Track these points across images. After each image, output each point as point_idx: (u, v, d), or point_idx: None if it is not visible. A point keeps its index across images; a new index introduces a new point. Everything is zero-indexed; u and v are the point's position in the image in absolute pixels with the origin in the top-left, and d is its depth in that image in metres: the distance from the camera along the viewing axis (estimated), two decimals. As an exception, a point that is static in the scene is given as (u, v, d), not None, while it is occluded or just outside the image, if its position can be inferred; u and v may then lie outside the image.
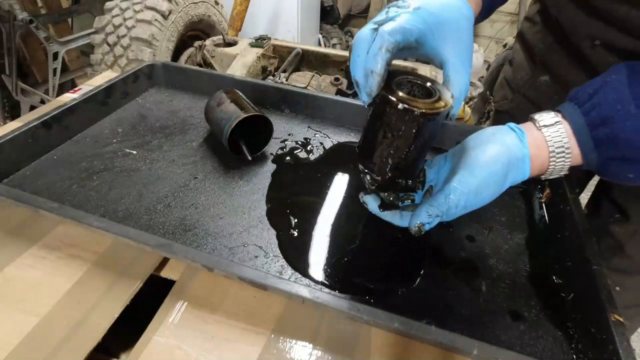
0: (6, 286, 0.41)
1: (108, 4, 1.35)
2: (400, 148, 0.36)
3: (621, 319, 0.35)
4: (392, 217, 0.42)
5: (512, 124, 0.39)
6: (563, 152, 0.36)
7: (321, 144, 0.63)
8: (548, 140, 0.37)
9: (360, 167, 0.41)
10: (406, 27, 0.33)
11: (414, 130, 0.34)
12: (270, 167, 0.58)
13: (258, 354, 0.37)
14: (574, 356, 0.37)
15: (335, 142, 0.64)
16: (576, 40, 0.52)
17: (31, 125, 0.55)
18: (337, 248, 0.46)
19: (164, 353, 0.37)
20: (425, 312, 0.40)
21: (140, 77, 0.73)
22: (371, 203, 0.43)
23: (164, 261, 0.45)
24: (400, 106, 0.32)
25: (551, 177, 0.39)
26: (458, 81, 0.35)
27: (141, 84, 0.73)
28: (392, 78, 0.35)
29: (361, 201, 0.44)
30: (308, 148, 0.62)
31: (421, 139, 0.35)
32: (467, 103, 1.24)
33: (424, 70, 1.14)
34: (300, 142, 0.63)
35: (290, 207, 0.51)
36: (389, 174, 0.38)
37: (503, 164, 0.37)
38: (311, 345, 0.38)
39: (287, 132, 0.65)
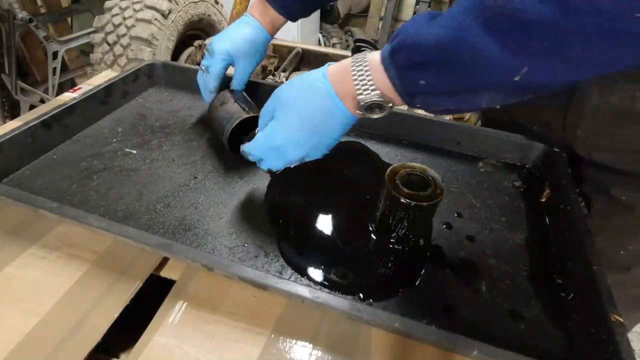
0: (6, 286, 0.41)
1: (107, 3, 1.35)
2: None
3: (621, 319, 0.35)
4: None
5: None
6: (362, 62, 0.36)
7: (321, 143, 0.63)
8: (352, 59, 0.37)
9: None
10: (215, 72, 0.60)
11: (422, 213, 0.44)
12: (270, 166, 0.58)
13: (258, 354, 0.37)
14: (574, 356, 0.37)
15: (335, 142, 0.64)
16: None
17: (31, 124, 0.55)
18: (337, 248, 0.46)
19: (164, 353, 0.37)
20: (425, 312, 0.40)
21: (140, 77, 0.73)
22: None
23: (164, 261, 0.45)
24: (412, 203, 0.42)
25: (368, 101, 0.36)
26: (237, 78, 0.61)
27: (141, 83, 0.73)
28: (395, 175, 0.44)
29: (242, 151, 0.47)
30: (308, 148, 0.62)
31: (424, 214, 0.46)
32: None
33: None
34: (300, 142, 0.63)
35: (290, 207, 0.51)
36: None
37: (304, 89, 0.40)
38: (311, 346, 0.38)
39: (287, 132, 0.65)
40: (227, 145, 0.55)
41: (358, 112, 0.38)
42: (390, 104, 0.37)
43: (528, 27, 0.25)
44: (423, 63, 0.32)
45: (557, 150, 0.56)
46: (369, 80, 0.36)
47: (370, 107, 0.37)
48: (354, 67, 0.36)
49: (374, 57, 0.36)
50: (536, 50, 0.26)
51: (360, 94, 0.36)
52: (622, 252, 0.55)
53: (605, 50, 0.25)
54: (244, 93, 0.61)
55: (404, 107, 0.71)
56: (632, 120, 0.48)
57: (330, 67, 0.39)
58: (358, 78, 0.36)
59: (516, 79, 0.28)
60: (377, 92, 0.36)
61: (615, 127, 0.50)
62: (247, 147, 0.45)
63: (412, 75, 0.33)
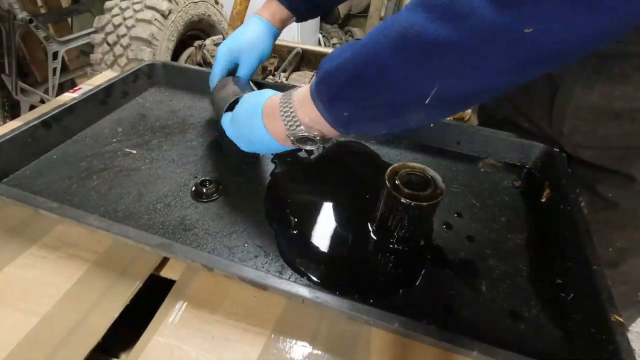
0: (6, 286, 0.41)
1: (108, 4, 1.35)
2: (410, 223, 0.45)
3: (621, 319, 0.35)
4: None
5: None
6: (288, 101, 0.40)
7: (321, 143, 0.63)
8: (281, 97, 0.41)
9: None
10: (218, 72, 0.61)
11: (422, 213, 0.44)
12: (270, 167, 0.58)
13: (258, 354, 0.37)
14: (574, 356, 0.37)
15: (335, 142, 0.64)
16: None
17: (31, 124, 0.55)
18: (337, 248, 0.46)
19: (164, 353, 0.37)
20: (425, 312, 0.40)
21: (140, 77, 0.73)
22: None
23: (164, 261, 0.45)
24: (412, 203, 0.41)
25: (298, 136, 0.41)
26: (242, 71, 0.61)
27: (141, 83, 0.73)
28: (395, 175, 0.44)
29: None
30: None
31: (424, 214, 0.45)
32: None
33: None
34: (300, 142, 0.63)
35: (290, 207, 0.51)
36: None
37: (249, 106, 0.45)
38: (311, 346, 0.38)
39: (287, 132, 0.65)
40: (220, 125, 0.54)
41: (292, 143, 0.42)
42: (319, 137, 0.40)
43: (430, 47, 0.27)
44: (340, 94, 0.34)
45: (557, 150, 0.56)
46: (293, 117, 0.39)
47: (301, 139, 0.41)
48: (281, 106, 0.40)
49: (299, 92, 0.39)
50: (442, 68, 0.28)
51: (288, 129, 0.40)
52: (610, 249, 0.56)
53: (501, 65, 0.26)
54: (249, 81, 0.61)
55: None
56: (611, 118, 0.49)
57: (265, 105, 0.43)
58: (284, 116, 0.40)
59: (428, 98, 0.29)
60: (302, 127, 0.39)
61: (596, 125, 0.51)
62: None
63: (336, 107, 0.35)
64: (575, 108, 0.51)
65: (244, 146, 0.49)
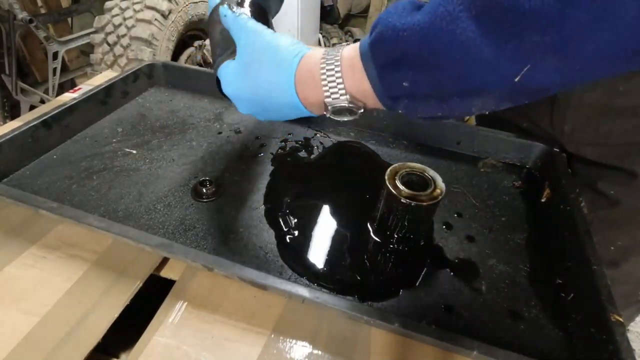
0: (6, 286, 0.41)
1: (108, 4, 1.35)
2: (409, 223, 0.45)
3: (621, 319, 0.35)
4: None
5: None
6: (333, 61, 0.31)
7: (321, 143, 0.63)
8: (323, 55, 0.33)
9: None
10: None
11: (422, 213, 0.44)
12: (270, 167, 0.58)
13: (258, 354, 0.37)
14: (574, 356, 0.37)
15: (335, 142, 0.64)
16: None
17: (31, 124, 0.55)
18: (337, 248, 0.46)
19: (164, 353, 0.37)
20: (425, 312, 0.40)
21: (140, 77, 0.73)
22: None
23: (164, 261, 0.45)
24: (412, 203, 0.41)
25: (337, 106, 0.33)
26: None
27: (141, 83, 0.73)
28: (395, 175, 0.44)
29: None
30: (308, 148, 0.62)
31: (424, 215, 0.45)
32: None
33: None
34: (300, 142, 0.63)
35: (290, 207, 0.51)
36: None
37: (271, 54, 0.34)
38: (311, 346, 0.38)
39: (287, 132, 0.65)
40: (216, 84, 0.43)
41: (324, 113, 0.35)
42: (362, 110, 0.33)
43: (529, 18, 0.22)
44: (405, 60, 0.27)
45: (557, 150, 0.56)
46: (339, 84, 0.32)
47: (339, 110, 0.33)
48: (324, 71, 0.32)
49: (349, 54, 0.31)
50: (539, 46, 0.22)
51: (329, 97, 0.33)
52: (612, 248, 0.56)
53: (619, 47, 0.21)
54: (256, 2, 0.43)
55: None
56: (613, 115, 0.49)
57: (300, 68, 0.33)
58: (327, 80, 0.32)
59: (516, 79, 0.24)
60: (347, 97, 0.32)
61: (599, 122, 0.51)
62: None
63: (394, 75, 0.29)
64: (577, 106, 0.51)
65: (248, 110, 0.38)
